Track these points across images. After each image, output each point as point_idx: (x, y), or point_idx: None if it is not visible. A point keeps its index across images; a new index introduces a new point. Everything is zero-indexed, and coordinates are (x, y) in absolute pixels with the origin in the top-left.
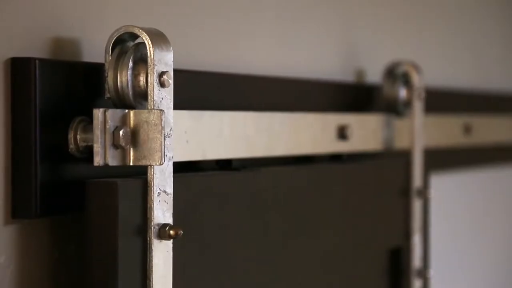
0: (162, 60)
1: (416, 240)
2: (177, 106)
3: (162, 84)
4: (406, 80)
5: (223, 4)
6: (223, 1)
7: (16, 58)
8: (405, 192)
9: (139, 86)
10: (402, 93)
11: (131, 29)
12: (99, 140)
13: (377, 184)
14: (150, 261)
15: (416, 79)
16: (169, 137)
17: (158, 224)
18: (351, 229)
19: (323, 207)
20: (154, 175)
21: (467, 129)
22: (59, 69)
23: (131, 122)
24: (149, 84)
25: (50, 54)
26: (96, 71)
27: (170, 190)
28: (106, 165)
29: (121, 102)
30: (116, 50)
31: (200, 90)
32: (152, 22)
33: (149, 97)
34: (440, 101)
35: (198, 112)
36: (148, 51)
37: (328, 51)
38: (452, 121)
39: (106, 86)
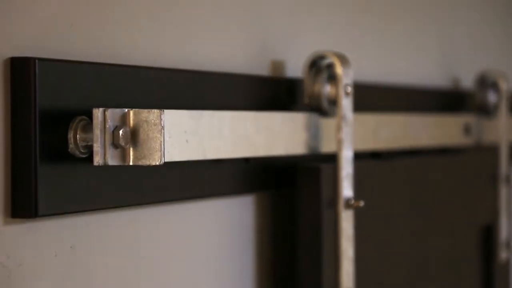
0: (347, 76)
1: (503, 218)
2: (177, 105)
3: (346, 94)
4: (495, 86)
5: (224, 3)
6: (224, 1)
7: (16, 58)
8: (494, 178)
9: (331, 95)
10: (492, 97)
11: (323, 53)
12: (99, 139)
13: (472, 172)
14: (340, 225)
15: (504, 85)
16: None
17: (345, 198)
18: (450, 209)
19: (435, 191)
20: (342, 160)
21: (467, 129)
22: (59, 69)
23: (131, 121)
24: (338, 94)
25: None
26: (96, 71)
27: (351, 172)
28: (105, 165)
29: (317, 107)
30: (313, 69)
31: (201, 90)
32: (150, 22)
33: (338, 103)
34: (441, 101)
35: (198, 111)
36: (338, 70)
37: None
38: (452, 121)
39: (305, 94)
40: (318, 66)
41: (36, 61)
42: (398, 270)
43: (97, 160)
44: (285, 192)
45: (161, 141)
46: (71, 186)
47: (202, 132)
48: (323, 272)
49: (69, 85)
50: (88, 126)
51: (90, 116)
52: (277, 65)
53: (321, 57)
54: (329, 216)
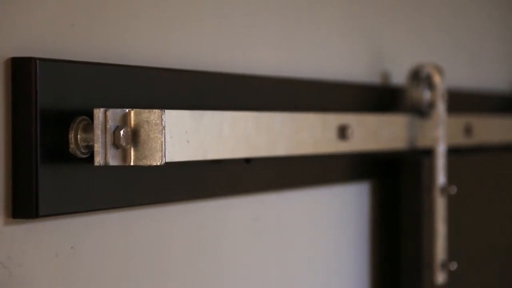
0: (442, 83)
1: None
2: (178, 106)
3: (442, 99)
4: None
5: (224, 3)
6: (224, 0)
7: (16, 58)
8: None
9: (428, 100)
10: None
11: (422, 64)
12: (100, 140)
13: None
14: (436, 208)
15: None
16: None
17: (440, 186)
18: None
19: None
20: (439, 153)
21: (468, 130)
22: (60, 69)
23: (132, 122)
24: (437, 99)
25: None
26: (96, 72)
27: (445, 164)
28: (106, 165)
29: (417, 109)
30: (415, 80)
31: (201, 90)
32: (150, 22)
33: (436, 107)
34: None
35: (199, 112)
36: (436, 79)
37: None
38: (453, 121)
39: (406, 98)
40: (419, 76)
41: (37, 61)
42: (481, 246)
43: (98, 160)
44: (387, 180)
45: (162, 141)
46: (72, 186)
47: (202, 132)
48: (423, 246)
49: (70, 85)
50: (88, 126)
51: (91, 116)
52: (385, 75)
53: (421, 68)
54: (427, 200)
